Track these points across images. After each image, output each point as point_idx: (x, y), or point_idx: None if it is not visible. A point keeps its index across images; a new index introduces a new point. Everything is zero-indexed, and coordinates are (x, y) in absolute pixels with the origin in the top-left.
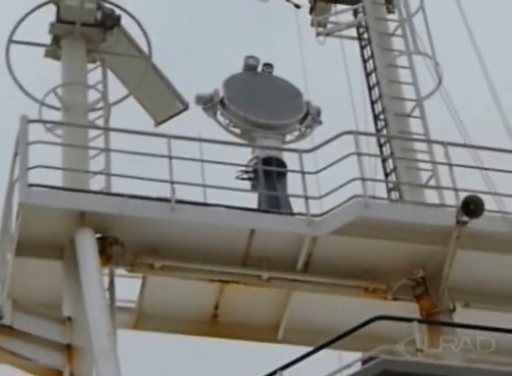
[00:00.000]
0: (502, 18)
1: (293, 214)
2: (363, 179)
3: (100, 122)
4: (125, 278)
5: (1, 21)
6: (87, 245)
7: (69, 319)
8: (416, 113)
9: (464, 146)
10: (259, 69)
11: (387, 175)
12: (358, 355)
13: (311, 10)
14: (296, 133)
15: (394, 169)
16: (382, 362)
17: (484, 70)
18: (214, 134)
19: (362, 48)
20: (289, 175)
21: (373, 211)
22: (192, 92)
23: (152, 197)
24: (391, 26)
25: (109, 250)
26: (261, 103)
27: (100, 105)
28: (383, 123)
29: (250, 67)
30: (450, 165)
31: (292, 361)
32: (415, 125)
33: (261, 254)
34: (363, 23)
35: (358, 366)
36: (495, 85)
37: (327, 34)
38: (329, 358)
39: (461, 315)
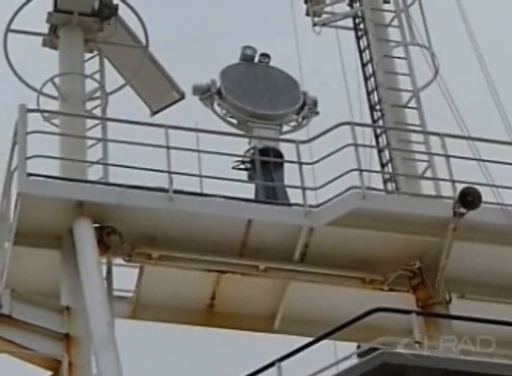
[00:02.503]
0: (498, 7)
1: (290, 204)
2: (360, 170)
3: (98, 111)
4: (123, 268)
5: None
6: (85, 235)
7: (67, 308)
8: (413, 103)
9: (461, 137)
10: (256, 59)
11: (383, 165)
12: (353, 345)
13: (307, 0)
14: (293, 124)
15: (391, 160)
16: (382, 354)
17: (481, 60)
18: (211, 124)
19: (358, 38)
20: (286, 165)
21: (371, 203)
22: (189, 82)
23: (150, 187)
24: (388, 16)
25: (107, 240)
26: (257, 94)
27: (97, 94)
28: (379, 114)
29: (247, 57)
30: (447, 156)
31: (291, 352)
32: (411, 116)
33: (258, 244)
34: (359, 14)
35: (355, 358)
36: (491, 76)
37: (323, 25)
38: (324, 348)
39: (457, 306)
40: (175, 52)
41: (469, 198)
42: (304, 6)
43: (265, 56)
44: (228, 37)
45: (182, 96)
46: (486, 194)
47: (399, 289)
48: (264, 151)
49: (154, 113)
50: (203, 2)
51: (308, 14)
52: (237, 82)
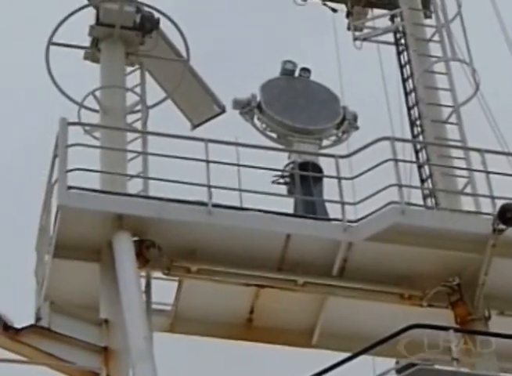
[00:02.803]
0: None
1: (329, 219)
2: (400, 186)
3: (138, 125)
4: (162, 281)
5: (42, 23)
6: (124, 248)
7: (106, 321)
8: (453, 119)
9: (502, 153)
10: (296, 73)
11: (423, 181)
12: (391, 361)
13: (348, 14)
14: (332, 138)
15: (431, 176)
16: (420, 370)
17: None
18: (251, 138)
19: (399, 53)
20: (325, 180)
21: (410, 218)
22: (230, 96)
23: (189, 200)
24: (429, 31)
25: (146, 253)
26: (297, 108)
27: (138, 108)
28: (419, 129)
29: (287, 72)
30: (487, 172)
31: (329, 367)
32: (451, 132)
33: (297, 259)
34: (400, 29)
35: (393, 374)
36: None
37: (364, 39)
38: (363, 363)
39: (496, 323)
40: (216, 65)
41: (508, 215)
42: (346, 21)
43: (305, 70)
44: (269, 51)
45: (223, 110)
46: None
47: (438, 305)
48: (303, 166)
49: (195, 126)
50: (245, 16)
51: (349, 28)
52: (277, 96)
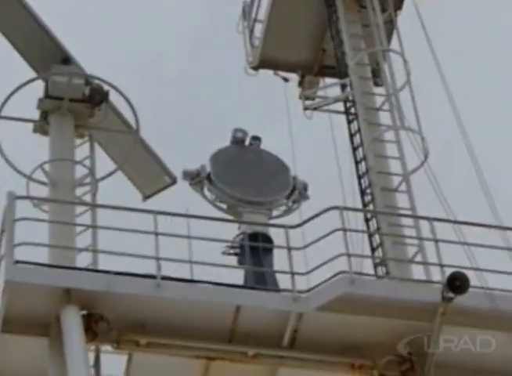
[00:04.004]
0: (485, 93)
1: (279, 290)
2: (349, 255)
3: (88, 197)
4: (111, 355)
5: None
6: (72, 322)
7: None
8: (403, 187)
9: (449, 221)
10: (247, 141)
11: (373, 249)
12: None
13: (300, 83)
14: (283, 208)
15: (381, 244)
16: None
17: (469, 146)
18: (204, 208)
19: (350, 122)
20: (275, 250)
21: (359, 288)
22: (182, 167)
23: (138, 273)
24: (378, 100)
25: (95, 327)
26: (247, 179)
27: (87, 180)
28: (369, 197)
29: (237, 140)
30: (436, 241)
31: None
32: (402, 200)
33: (247, 330)
34: (350, 98)
35: None
36: (478, 162)
37: (314, 108)
38: None
39: None
40: (166, 135)
41: (457, 283)
42: (298, 90)
43: (255, 138)
44: (221, 119)
45: (174, 181)
46: (472, 278)
47: (389, 374)
48: (253, 236)
49: (146, 197)
50: (194, 86)
51: (300, 98)
52: (227, 167)
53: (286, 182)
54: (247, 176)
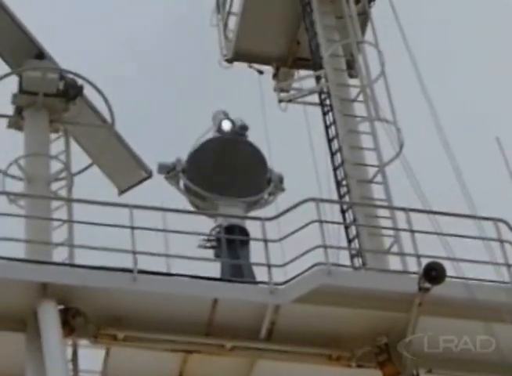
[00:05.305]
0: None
1: (255, 282)
2: (325, 247)
3: (63, 192)
4: (89, 349)
5: None
6: (49, 317)
7: None
8: (379, 178)
9: (425, 211)
10: (229, 127)
11: (350, 241)
12: None
13: (274, 76)
14: (258, 200)
15: (357, 235)
16: None
17: (442, 136)
18: (180, 201)
19: (324, 114)
20: (252, 242)
21: (336, 279)
22: (156, 160)
23: (114, 267)
24: (353, 91)
25: (72, 321)
26: (223, 172)
27: (63, 175)
28: (345, 189)
29: (222, 131)
30: (412, 231)
31: None
32: (377, 191)
33: (224, 323)
34: (325, 89)
35: None
36: (452, 151)
37: (289, 101)
38: None
39: None
40: (141, 128)
41: (433, 273)
42: (273, 82)
43: (243, 128)
44: (196, 113)
45: (150, 175)
46: (449, 269)
47: (366, 365)
48: (229, 229)
49: (122, 192)
50: (170, 78)
51: (275, 90)
52: (203, 160)
53: (262, 174)
54: (223, 169)
